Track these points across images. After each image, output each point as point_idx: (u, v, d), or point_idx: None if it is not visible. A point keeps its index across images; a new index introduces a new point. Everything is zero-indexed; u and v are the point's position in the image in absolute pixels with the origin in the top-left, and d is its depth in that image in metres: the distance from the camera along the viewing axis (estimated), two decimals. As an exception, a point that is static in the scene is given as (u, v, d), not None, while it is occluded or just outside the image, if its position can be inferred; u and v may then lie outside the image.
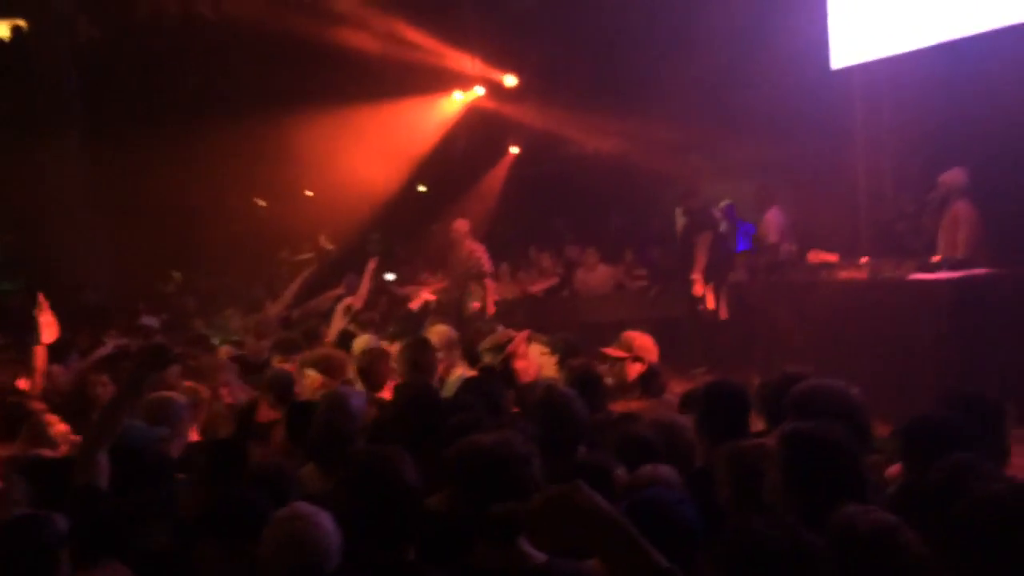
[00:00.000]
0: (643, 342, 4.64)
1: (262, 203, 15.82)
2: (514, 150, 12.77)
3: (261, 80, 12.90)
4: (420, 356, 4.84)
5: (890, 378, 6.44)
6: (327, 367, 4.96)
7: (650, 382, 4.54)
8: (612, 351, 4.64)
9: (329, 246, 12.14)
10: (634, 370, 4.55)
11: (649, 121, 10.68)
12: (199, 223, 13.80)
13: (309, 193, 15.02)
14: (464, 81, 11.95)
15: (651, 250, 11.32)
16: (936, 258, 7.48)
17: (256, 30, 11.79)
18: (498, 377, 4.62)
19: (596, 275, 11.57)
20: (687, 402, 4.01)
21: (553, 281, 11.54)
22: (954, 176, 7.56)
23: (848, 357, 6.94)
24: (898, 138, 9.43)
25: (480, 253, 9.69)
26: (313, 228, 12.78)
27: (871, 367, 6.62)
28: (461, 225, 9.83)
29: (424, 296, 9.40)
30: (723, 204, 10.10)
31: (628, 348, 4.61)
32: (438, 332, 5.66)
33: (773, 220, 9.76)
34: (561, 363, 4.81)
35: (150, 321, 10.19)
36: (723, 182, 10.02)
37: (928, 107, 8.91)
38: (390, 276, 12.14)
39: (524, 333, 4.95)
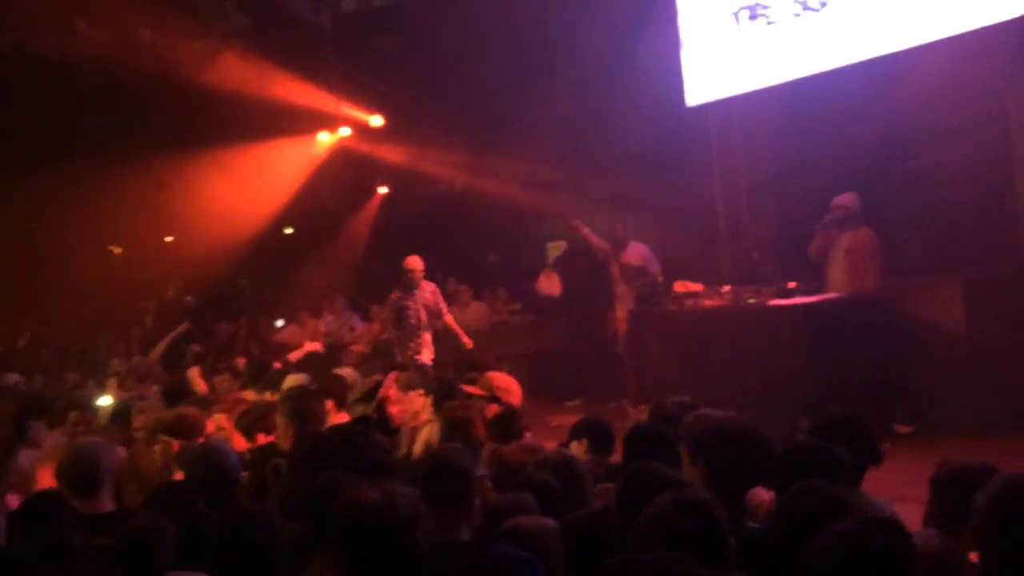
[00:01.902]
0: (504, 383, 4.63)
1: (117, 250, 15.14)
2: (383, 190, 12.71)
3: (115, 123, 12.39)
4: (305, 406, 4.50)
5: (754, 401, 6.67)
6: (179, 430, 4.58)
7: (506, 424, 4.47)
8: (472, 389, 4.62)
9: (179, 295, 11.73)
10: (490, 411, 4.51)
11: (516, 158, 10.84)
12: (47, 273, 13.08)
13: (169, 239, 14.47)
14: (330, 122, 11.83)
15: (524, 285, 11.44)
16: (792, 284, 7.82)
17: (107, 71, 11.32)
18: (373, 425, 4.51)
19: (470, 312, 11.59)
20: (576, 433, 4.01)
21: None
22: (849, 198, 7.56)
23: (715, 382, 7.17)
24: (752, 171, 9.89)
25: (438, 292, 9.17)
26: (174, 274, 12.31)
27: (736, 392, 6.84)
28: (418, 262, 8.94)
29: (309, 347, 9.28)
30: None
31: (488, 388, 4.59)
32: (345, 373, 5.53)
33: (636, 252, 10.00)
34: (436, 404, 4.73)
35: (14, 378, 9.67)
36: (588, 217, 10.24)
37: (778, 141, 9.41)
38: (279, 322, 11.82)
39: (392, 375, 4.86)
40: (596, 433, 3.92)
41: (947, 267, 7.25)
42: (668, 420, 3.85)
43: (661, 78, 9.69)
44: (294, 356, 9.02)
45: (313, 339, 11.08)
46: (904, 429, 6.96)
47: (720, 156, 10.10)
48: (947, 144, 7.77)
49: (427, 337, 8.94)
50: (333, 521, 2.45)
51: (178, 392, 6.19)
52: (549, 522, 2.71)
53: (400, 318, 8.90)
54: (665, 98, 9.72)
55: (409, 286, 8.93)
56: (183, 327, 9.80)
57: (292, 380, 5.55)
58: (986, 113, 7.60)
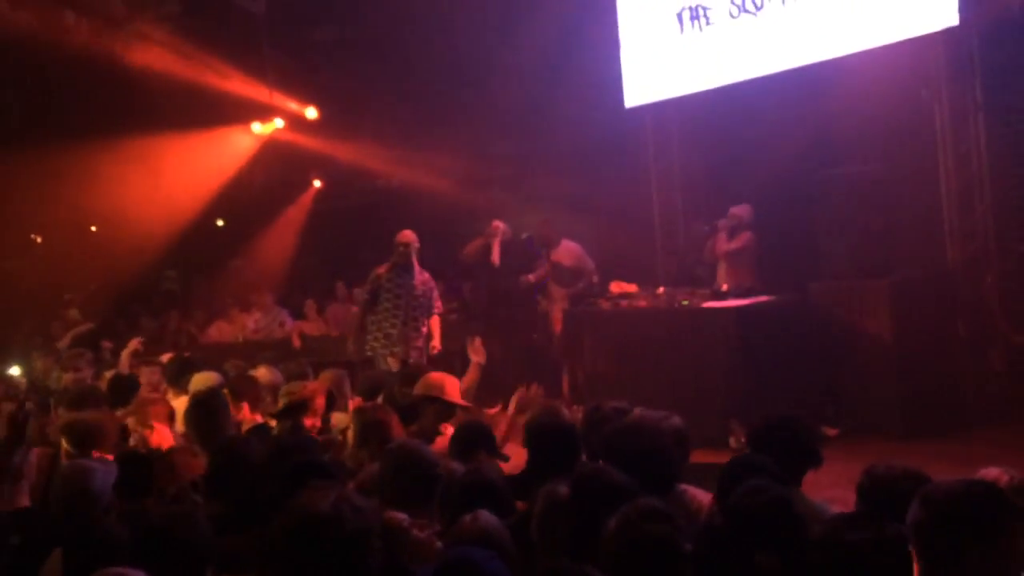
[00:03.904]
0: (440, 381, 4.57)
1: (38, 239, 14.63)
2: (317, 183, 12.49)
3: (38, 108, 11.94)
4: (211, 408, 4.26)
5: (687, 402, 6.70)
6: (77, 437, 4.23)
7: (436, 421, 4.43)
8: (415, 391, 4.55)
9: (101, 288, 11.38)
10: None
11: (454, 155, 10.76)
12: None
13: (93, 228, 14.03)
14: (263, 112, 11.57)
15: (462, 283, 11.35)
16: (724, 286, 7.95)
17: (30, 54, 10.89)
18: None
19: (405, 309, 11.47)
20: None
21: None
22: (744, 209, 8.24)
23: (650, 383, 7.22)
24: (687, 172, 10.00)
25: (433, 283, 7.93)
26: (99, 265, 11.93)
27: (670, 392, 6.89)
28: (412, 237, 7.73)
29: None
30: (523, 236, 10.27)
31: (426, 388, 4.53)
32: (264, 375, 5.33)
33: (568, 251, 10.00)
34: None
35: None
36: (526, 215, 10.21)
37: (713, 144, 9.53)
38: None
39: (325, 383, 4.74)
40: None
41: (875, 271, 7.41)
42: (604, 423, 3.82)
43: (600, 79, 9.72)
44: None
45: (242, 335, 10.86)
46: (831, 431, 7.09)
47: (657, 157, 10.18)
48: (875, 151, 7.95)
49: (404, 331, 7.57)
50: (274, 533, 2.27)
51: (125, 389, 5.90)
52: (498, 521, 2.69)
53: (374, 299, 7.64)
54: (604, 98, 9.75)
55: (399, 265, 7.61)
56: (86, 326, 9.43)
57: (201, 380, 5.24)
58: (913, 121, 7.79)
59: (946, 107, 7.64)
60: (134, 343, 7.37)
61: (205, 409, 4.21)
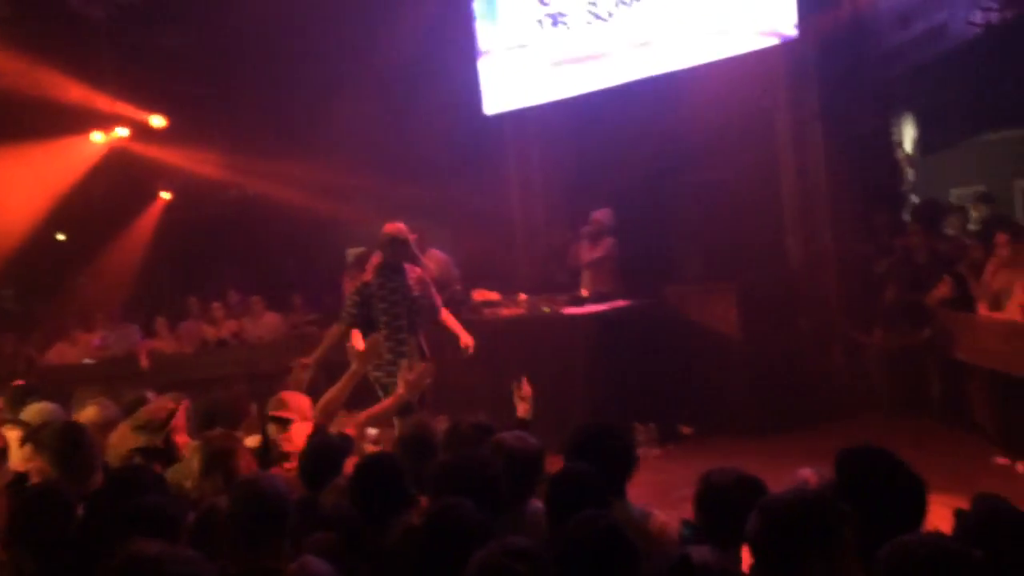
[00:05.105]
0: (297, 402, 4.42)
1: None
2: (165, 195, 11.95)
3: None
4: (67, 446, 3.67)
5: (551, 409, 6.74)
6: None
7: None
8: (282, 413, 4.37)
9: None
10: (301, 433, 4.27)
11: (312, 163, 10.51)
12: None
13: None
14: (104, 121, 10.96)
15: (322, 294, 11.10)
16: (584, 292, 8.09)
17: None
18: (156, 455, 4.12)
19: (264, 322, 11.15)
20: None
21: (231, 331, 10.97)
22: (605, 214, 8.39)
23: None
24: (547, 179, 10.12)
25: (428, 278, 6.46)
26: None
27: (534, 400, 6.90)
28: (405, 230, 6.27)
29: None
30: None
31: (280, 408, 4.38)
32: (90, 415, 4.84)
33: (435, 258, 9.95)
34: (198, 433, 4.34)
35: None
36: (387, 225, 10.08)
37: (572, 151, 9.69)
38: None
39: (184, 404, 4.48)
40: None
41: (725, 274, 7.69)
42: (464, 444, 3.76)
43: (459, 87, 9.72)
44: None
45: (87, 356, 10.25)
46: (686, 430, 7.31)
47: (517, 164, 10.27)
48: (723, 158, 8.26)
49: (407, 340, 6.05)
50: None
51: None
52: None
53: (367, 312, 6.03)
54: (463, 107, 9.76)
55: (391, 265, 6.06)
56: None
57: (35, 411, 4.73)
58: (757, 129, 8.15)
59: (786, 115, 8.03)
60: None
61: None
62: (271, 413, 4.47)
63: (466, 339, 6.24)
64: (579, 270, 8.68)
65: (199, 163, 11.14)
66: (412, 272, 6.22)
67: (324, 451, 3.70)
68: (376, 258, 6.37)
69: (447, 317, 6.40)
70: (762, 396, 7.21)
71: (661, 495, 5.05)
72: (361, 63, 10.01)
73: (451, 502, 2.65)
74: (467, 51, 9.65)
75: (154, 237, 11.52)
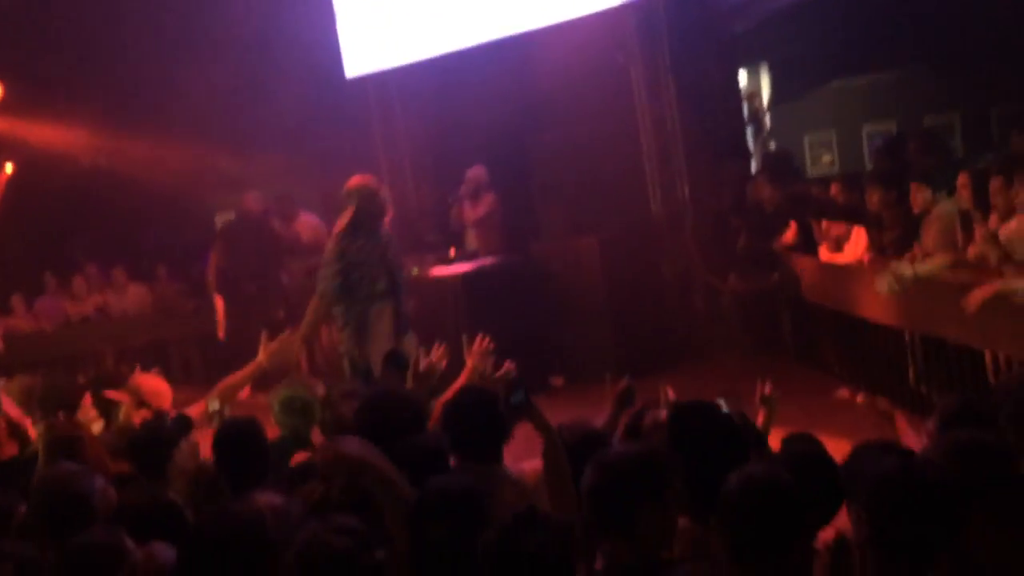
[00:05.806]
0: (152, 386, 4.35)
1: None
2: (8, 168, 11.29)
3: None
4: None
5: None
6: None
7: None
8: (116, 395, 4.29)
9: None
10: (140, 417, 4.19)
11: (167, 131, 10.13)
12: None
13: None
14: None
15: (190, 263, 10.80)
16: (452, 251, 8.16)
17: None
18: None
19: (129, 295, 10.82)
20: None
21: (95, 305, 10.61)
22: (480, 171, 8.28)
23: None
24: (412, 141, 10.08)
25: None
26: None
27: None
28: (365, 179, 5.59)
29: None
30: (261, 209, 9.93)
31: (135, 394, 4.29)
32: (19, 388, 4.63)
33: (307, 224, 9.82)
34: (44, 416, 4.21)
35: None
36: (251, 190, 9.86)
37: (435, 112, 9.67)
38: None
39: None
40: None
41: (589, 228, 7.90)
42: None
43: (319, 49, 9.53)
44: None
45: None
46: (557, 381, 7.53)
47: (382, 127, 10.17)
48: (583, 115, 8.40)
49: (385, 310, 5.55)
50: None
51: None
52: None
53: (348, 281, 5.45)
54: (324, 69, 9.59)
55: (364, 224, 5.41)
56: None
57: None
58: (614, 86, 8.33)
59: (641, 71, 8.23)
60: None
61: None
62: (100, 394, 4.39)
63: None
64: (463, 232, 8.57)
65: (44, 134, 10.57)
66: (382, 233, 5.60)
67: (152, 436, 3.59)
68: (344, 218, 5.70)
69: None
70: (627, 344, 7.49)
71: (533, 448, 5.21)
72: (215, 27, 9.68)
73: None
74: (325, 11, 9.47)
75: (1, 212, 10.92)
